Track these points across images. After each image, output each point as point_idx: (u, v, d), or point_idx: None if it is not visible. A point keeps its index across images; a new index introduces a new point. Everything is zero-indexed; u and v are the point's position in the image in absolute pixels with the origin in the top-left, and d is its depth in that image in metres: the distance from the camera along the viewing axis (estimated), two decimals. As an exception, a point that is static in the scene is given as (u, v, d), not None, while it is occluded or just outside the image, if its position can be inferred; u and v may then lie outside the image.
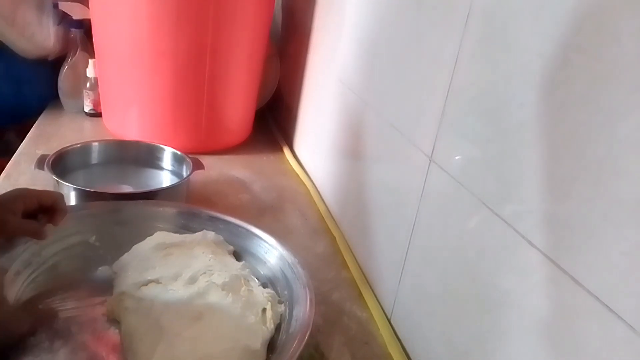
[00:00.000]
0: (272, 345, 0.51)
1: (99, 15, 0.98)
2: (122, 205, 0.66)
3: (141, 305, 0.53)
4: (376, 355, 0.57)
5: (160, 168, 0.88)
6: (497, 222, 0.42)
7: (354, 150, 0.78)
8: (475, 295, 0.45)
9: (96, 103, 1.11)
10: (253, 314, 0.53)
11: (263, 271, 0.61)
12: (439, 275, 0.52)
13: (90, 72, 1.09)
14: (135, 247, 0.62)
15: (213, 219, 0.66)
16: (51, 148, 0.82)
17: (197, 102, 0.99)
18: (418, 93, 0.58)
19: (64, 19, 1.13)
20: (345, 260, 0.74)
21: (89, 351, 0.50)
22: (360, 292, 0.67)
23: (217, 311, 0.52)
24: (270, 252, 0.61)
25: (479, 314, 0.45)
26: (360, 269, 0.72)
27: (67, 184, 0.70)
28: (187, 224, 0.66)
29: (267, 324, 0.52)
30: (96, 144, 0.87)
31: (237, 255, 0.64)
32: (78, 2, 1.16)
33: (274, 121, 1.27)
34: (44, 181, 0.77)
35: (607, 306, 0.32)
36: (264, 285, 0.58)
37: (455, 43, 0.50)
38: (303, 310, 0.51)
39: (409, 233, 0.58)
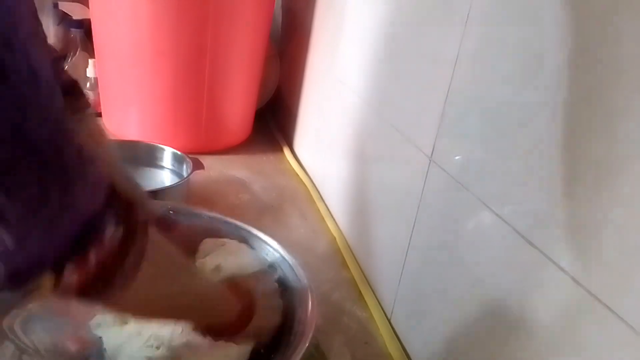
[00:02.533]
0: (274, 347, 0.51)
1: (99, 15, 0.98)
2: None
3: None
4: (376, 355, 0.57)
5: (160, 168, 0.88)
6: (497, 222, 0.42)
7: (354, 150, 0.78)
8: (475, 295, 0.45)
9: (96, 103, 1.11)
10: None
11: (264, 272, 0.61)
12: (439, 275, 0.52)
13: (90, 72, 1.09)
14: None
15: (213, 219, 0.66)
16: (51, 148, 0.82)
17: (197, 102, 0.99)
18: (418, 93, 0.58)
19: (64, 19, 1.13)
20: (345, 260, 0.74)
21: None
22: (360, 292, 0.67)
23: None
24: (272, 254, 0.61)
25: (479, 314, 0.45)
26: (360, 269, 0.72)
27: (67, 184, 0.70)
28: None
29: None
30: (96, 143, 0.87)
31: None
32: (78, 2, 1.16)
33: (274, 121, 1.27)
34: (44, 181, 0.77)
35: (607, 306, 0.32)
36: None
37: (455, 43, 0.50)
38: (305, 313, 0.51)
39: (409, 233, 0.58)
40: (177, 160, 0.87)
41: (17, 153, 0.24)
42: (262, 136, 1.18)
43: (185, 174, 0.81)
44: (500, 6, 0.44)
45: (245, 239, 0.64)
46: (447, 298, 0.50)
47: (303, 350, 0.45)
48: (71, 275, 0.29)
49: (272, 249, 0.61)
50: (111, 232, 0.30)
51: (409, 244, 0.58)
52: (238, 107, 1.07)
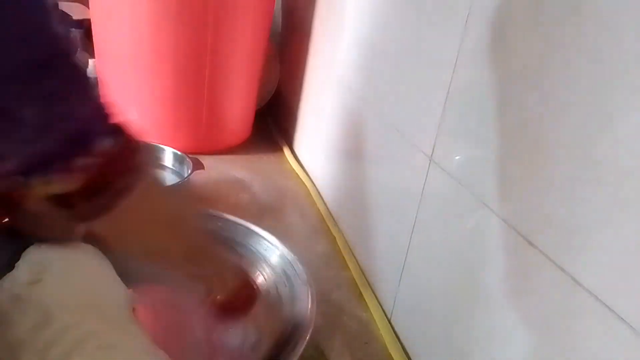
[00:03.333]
0: (273, 342, 0.52)
1: (99, 15, 0.98)
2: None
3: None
4: (376, 355, 0.57)
5: (161, 168, 0.88)
6: (497, 222, 0.42)
7: (354, 150, 0.78)
8: (476, 295, 0.45)
9: (96, 103, 1.11)
10: None
11: (263, 269, 0.61)
12: (439, 275, 0.52)
13: (90, 72, 1.09)
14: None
15: (212, 217, 0.66)
16: (51, 148, 0.82)
17: (197, 102, 0.99)
18: (418, 93, 0.58)
19: (64, 19, 1.13)
20: (345, 260, 0.74)
21: None
22: (360, 292, 0.67)
23: None
24: (270, 249, 0.61)
25: (479, 314, 0.45)
26: (360, 269, 0.72)
27: (67, 184, 0.70)
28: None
29: None
30: (96, 144, 0.87)
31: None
32: (78, 2, 1.16)
33: (274, 121, 1.27)
34: (44, 181, 0.77)
35: (607, 306, 0.32)
36: None
37: (455, 43, 0.50)
38: (304, 307, 0.51)
39: (409, 233, 0.58)
40: (177, 160, 0.87)
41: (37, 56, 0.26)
42: (262, 136, 1.18)
43: (185, 174, 0.81)
44: (500, 6, 0.44)
45: (243, 236, 0.64)
46: (447, 298, 0.50)
47: (304, 345, 0.45)
48: (61, 178, 0.29)
49: (271, 245, 0.61)
50: (104, 146, 0.30)
51: (409, 244, 0.58)
52: (238, 107, 1.07)
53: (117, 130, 0.32)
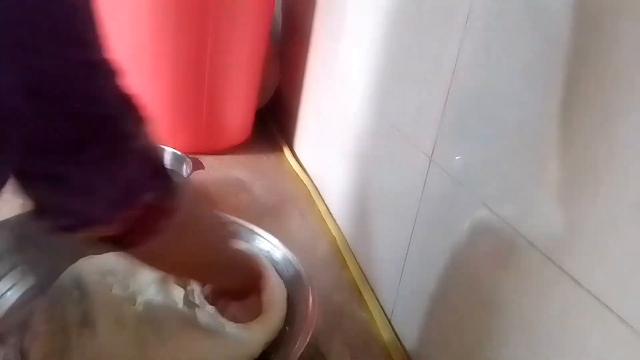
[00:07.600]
0: (274, 341, 0.52)
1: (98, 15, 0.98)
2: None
3: None
4: (376, 355, 0.57)
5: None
6: (497, 222, 0.42)
7: (354, 150, 0.78)
8: (475, 295, 0.45)
9: (96, 103, 1.11)
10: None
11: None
12: (439, 275, 0.52)
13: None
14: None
15: (216, 218, 0.66)
16: (51, 148, 0.82)
17: (197, 103, 0.99)
18: (418, 93, 0.58)
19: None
20: (345, 260, 0.74)
21: None
22: (361, 293, 0.67)
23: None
24: (273, 251, 0.61)
25: (479, 314, 0.45)
26: (360, 269, 0.72)
27: (67, 184, 0.70)
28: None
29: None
30: (96, 144, 0.87)
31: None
32: (78, 2, 1.16)
33: (274, 121, 1.27)
34: (44, 181, 0.77)
35: (607, 306, 0.32)
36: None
37: (455, 43, 0.50)
38: (306, 308, 0.51)
39: (409, 233, 0.58)
40: (177, 160, 0.87)
41: (86, 125, 0.30)
42: (262, 136, 1.18)
43: (185, 174, 0.81)
44: (500, 7, 0.44)
45: (247, 237, 0.64)
46: (447, 298, 0.50)
47: (305, 344, 0.45)
48: (104, 229, 0.35)
49: (274, 246, 0.62)
50: (144, 200, 0.36)
51: (409, 244, 0.58)
52: (238, 107, 1.07)
53: (158, 183, 0.38)
